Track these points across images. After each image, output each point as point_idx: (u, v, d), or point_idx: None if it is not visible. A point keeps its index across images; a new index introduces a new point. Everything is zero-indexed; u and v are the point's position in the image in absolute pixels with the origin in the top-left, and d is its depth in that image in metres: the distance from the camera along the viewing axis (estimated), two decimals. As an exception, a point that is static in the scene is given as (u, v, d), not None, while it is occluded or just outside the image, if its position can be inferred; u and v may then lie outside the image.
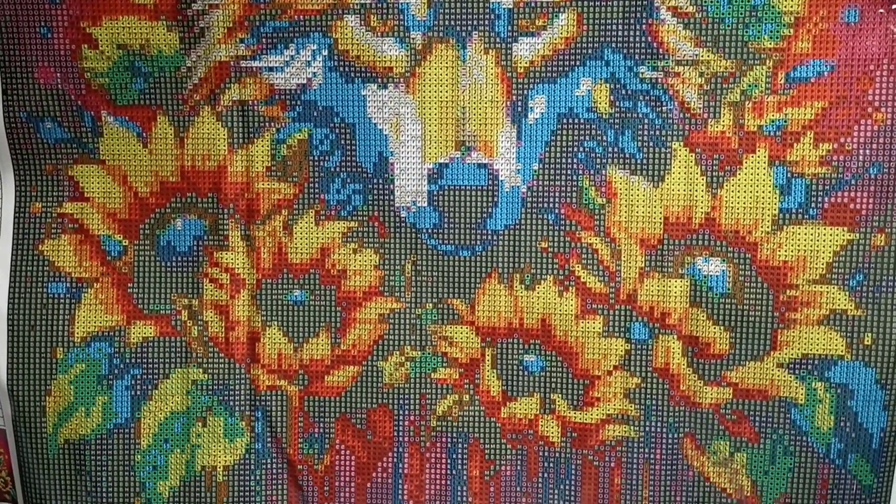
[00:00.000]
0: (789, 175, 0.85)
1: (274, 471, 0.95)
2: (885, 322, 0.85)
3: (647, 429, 0.92)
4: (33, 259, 0.93)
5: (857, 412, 0.87)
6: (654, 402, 0.91)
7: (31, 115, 0.90)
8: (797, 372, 0.88)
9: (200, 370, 0.95)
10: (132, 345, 0.94)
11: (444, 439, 0.94)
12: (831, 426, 0.88)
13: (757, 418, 0.90)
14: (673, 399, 0.91)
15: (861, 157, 0.84)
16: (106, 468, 0.95)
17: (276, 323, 0.94)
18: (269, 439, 0.95)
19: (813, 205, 0.85)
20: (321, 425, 0.95)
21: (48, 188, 0.92)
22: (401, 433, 0.94)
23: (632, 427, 0.92)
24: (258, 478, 0.95)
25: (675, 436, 0.91)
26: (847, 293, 0.86)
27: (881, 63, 0.82)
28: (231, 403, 0.95)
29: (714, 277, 0.88)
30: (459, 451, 0.94)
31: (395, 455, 0.94)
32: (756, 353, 0.89)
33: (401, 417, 0.94)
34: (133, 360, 0.95)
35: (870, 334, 0.86)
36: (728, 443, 0.90)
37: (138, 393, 0.95)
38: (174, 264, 0.94)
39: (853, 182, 0.84)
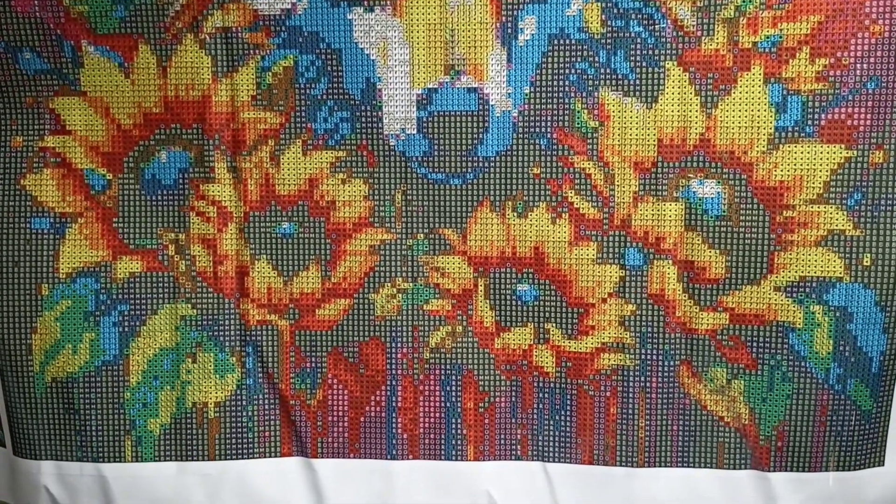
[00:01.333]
0: (785, 92, 0.84)
1: (266, 406, 0.94)
2: (884, 242, 0.84)
3: (643, 357, 0.91)
4: (15, 194, 0.91)
5: (857, 335, 0.86)
6: (649, 329, 0.90)
7: (10, 45, 0.88)
8: (795, 295, 0.86)
9: (189, 305, 0.93)
10: (119, 280, 0.93)
11: (437, 371, 0.93)
12: (830, 350, 0.87)
13: (754, 344, 0.88)
14: (668, 326, 0.90)
15: (858, 72, 0.82)
16: (95, 406, 0.94)
17: (265, 256, 0.92)
18: (260, 375, 0.94)
19: (809, 122, 0.84)
20: (313, 360, 0.94)
21: (29, 121, 0.91)
22: (394, 366, 0.93)
23: (627, 355, 0.91)
24: (250, 414, 0.94)
25: (671, 363, 0.90)
26: (845, 213, 0.84)
27: None
28: (221, 339, 0.94)
29: (709, 200, 0.87)
30: (453, 383, 0.93)
31: (389, 388, 0.93)
32: (752, 277, 0.87)
33: (393, 350, 0.93)
34: (120, 296, 0.93)
35: (869, 255, 0.85)
36: (725, 370, 0.89)
37: (126, 329, 0.94)
38: (160, 198, 0.92)
39: (850, 98, 0.83)
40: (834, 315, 0.86)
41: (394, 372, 0.93)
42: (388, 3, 0.86)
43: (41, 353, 0.93)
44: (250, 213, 0.92)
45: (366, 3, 0.86)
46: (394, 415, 0.93)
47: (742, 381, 0.89)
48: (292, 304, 0.93)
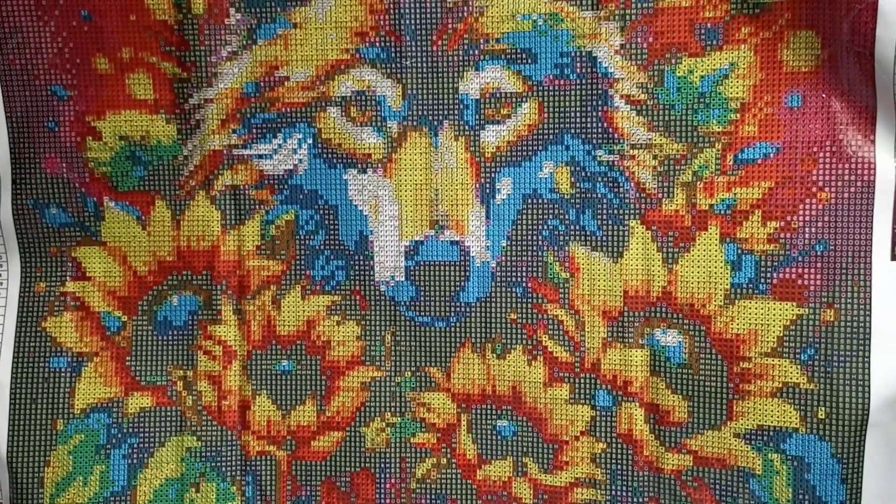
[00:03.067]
0: (739, 251, 0.83)
1: (263, 532, 0.93)
2: (837, 396, 0.81)
3: (613, 493, 0.89)
4: (36, 335, 0.91)
5: (815, 485, 0.83)
6: (619, 466, 0.88)
7: (38, 202, 0.90)
8: (753, 443, 0.84)
9: (194, 438, 0.92)
10: (130, 415, 0.92)
11: (423, 501, 0.92)
12: (790, 498, 0.84)
13: (717, 487, 0.86)
14: (637, 464, 0.88)
15: (807, 235, 0.81)
16: None
17: (265, 391, 0.92)
18: (258, 503, 0.93)
19: (762, 280, 0.82)
20: (308, 488, 0.93)
21: (52, 268, 0.91)
22: (382, 495, 0.92)
23: (598, 490, 0.89)
24: (248, 540, 0.93)
25: (640, 500, 0.88)
26: (799, 367, 0.82)
27: (824, 145, 0.80)
28: (223, 469, 0.93)
29: (671, 348, 0.85)
30: None
31: None
32: (713, 423, 0.85)
33: (382, 480, 0.92)
34: (130, 430, 0.92)
35: (823, 408, 0.81)
36: None
37: (135, 461, 0.92)
38: (170, 338, 0.92)
39: (800, 259, 0.81)
40: (792, 464, 0.83)
41: (383, 501, 0.92)
42: (380, 165, 0.87)
43: (52, 485, 0.92)
44: (253, 351, 0.92)
45: (359, 165, 0.88)
46: (382, 542, 0.92)
47: None
48: (290, 435, 0.92)
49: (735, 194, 0.83)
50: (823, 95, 0.80)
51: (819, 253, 0.81)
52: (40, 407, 0.92)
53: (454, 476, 0.92)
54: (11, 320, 0.92)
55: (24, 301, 0.92)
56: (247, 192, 0.90)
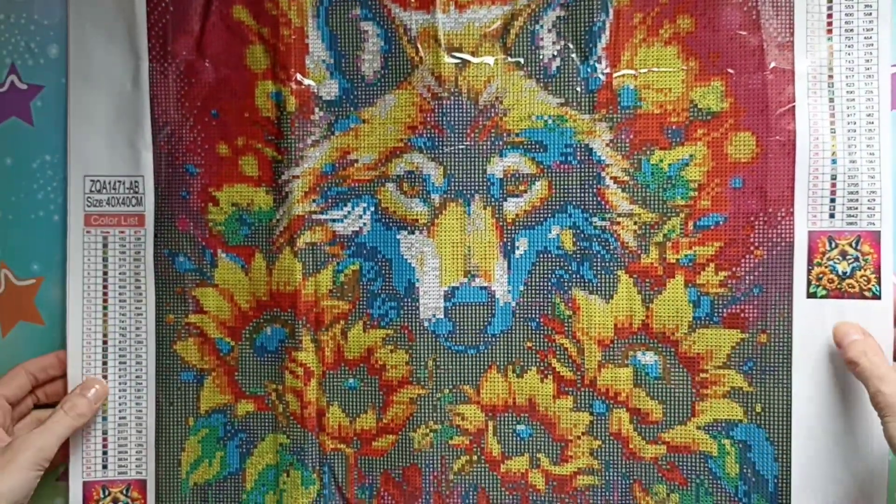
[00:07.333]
0: (699, 294, 1.00)
1: (337, 509, 1.10)
2: (770, 396, 1.01)
3: (607, 478, 1.03)
4: (170, 355, 1.09)
5: (755, 462, 1.00)
6: (611, 458, 1.03)
7: (171, 251, 1.07)
8: (710, 432, 1.00)
9: (284, 436, 1.07)
10: (239, 416, 1.08)
11: (459, 489, 1.05)
12: (737, 473, 1.00)
13: (684, 467, 1.02)
14: (625, 455, 1.02)
15: (747, 282, 0.98)
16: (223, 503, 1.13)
17: (336, 403, 1.06)
18: (333, 487, 1.07)
19: (716, 314, 1.00)
20: (370, 477, 1.07)
21: (178, 304, 1.08)
22: (427, 485, 1.06)
23: (595, 477, 1.03)
24: (326, 514, 1.10)
25: (627, 482, 1.03)
26: (742, 375, 0.99)
27: (759, 216, 0.98)
28: (306, 461, 1.07)
29: (649, 366, 1.01)
30: (471, 497, 1.06)
31: (424, 501, 1.06)
32: (681, 420, 1.01)
33: (427, 473, 1.06)
34: (240, 427, 1.09)
35: (760, 404, 0.99)
36: (665, 486, 1.02)
37: (244, 451, 1.09)
38: (265, 359, 1.08)
39: (742, 299, 0.99)
40: (738, 447, 0.99)
41: (428, 489, 1.05)
42: (425, 228, 1.02)
43: (187, 465, 1.11)
44: (327, 371, 1.06)
45: (409, 228, 1.03)
46: (428, 521, 1.08)
47: (677, 495, 1.02)
48: (356, 437, 1.06)
49: (695, 251, 1.00)
50: (758, 179, 0.98)
51: (756, 294, 0.99)
52: (176, 408, 1.09)
53: (483, 469, 1.05)
54: (152, 344, 1.15)
55: (158, 330, 1.14)
56: (322, 248, 1.04)
